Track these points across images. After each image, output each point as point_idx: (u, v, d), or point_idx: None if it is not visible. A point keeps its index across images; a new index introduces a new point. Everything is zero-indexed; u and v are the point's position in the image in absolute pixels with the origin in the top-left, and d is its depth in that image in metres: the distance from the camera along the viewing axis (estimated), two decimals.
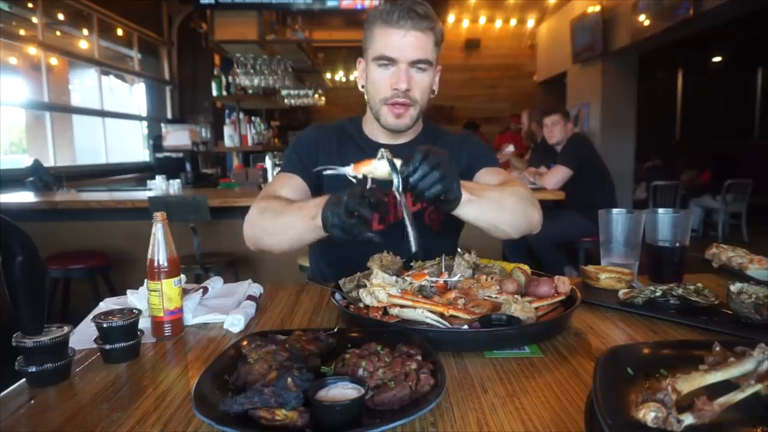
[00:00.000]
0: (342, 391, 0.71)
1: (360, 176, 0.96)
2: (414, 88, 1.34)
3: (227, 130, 6.04)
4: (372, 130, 1.50)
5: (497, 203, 1.21)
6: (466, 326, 0.98)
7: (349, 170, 0.96)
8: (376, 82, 1.36)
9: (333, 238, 1.03)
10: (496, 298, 1.06)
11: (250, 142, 6.12)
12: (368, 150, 1.47)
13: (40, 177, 4.07)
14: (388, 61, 1.32)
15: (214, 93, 6.10)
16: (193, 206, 3.06)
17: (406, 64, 1.31)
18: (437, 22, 1.33)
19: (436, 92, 1.42)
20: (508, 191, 1.27)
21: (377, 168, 0.96)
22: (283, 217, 1.21)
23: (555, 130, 4.09)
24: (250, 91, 6.03)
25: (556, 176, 3.85)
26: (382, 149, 0.98)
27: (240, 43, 5.24)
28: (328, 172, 0.99)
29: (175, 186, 4.04)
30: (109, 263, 3.27)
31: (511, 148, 5.04)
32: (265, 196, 1.35)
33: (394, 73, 1.32)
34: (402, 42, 1.30)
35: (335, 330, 0.95)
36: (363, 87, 1.43)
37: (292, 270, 3.11)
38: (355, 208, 0.95)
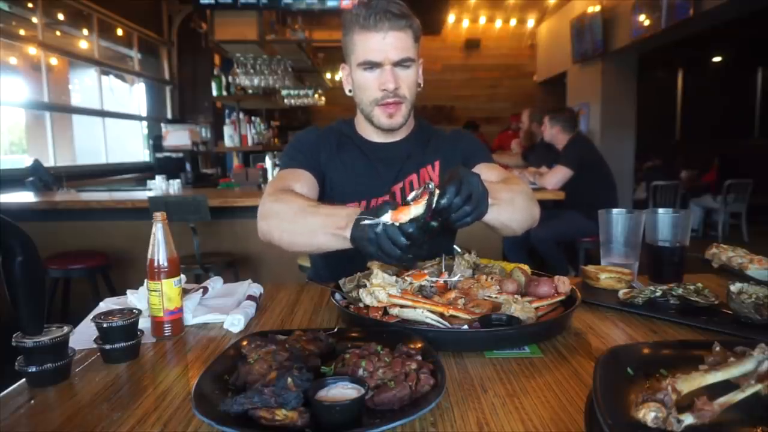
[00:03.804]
0: (342, 391, 0.71)
1: (398, 224, 0.97)
2: (401, 85, 1.36)
3: (227, 130, 6.03)
4: (365, 131, 1.52)
5: (510, 205, 1.24)
6: (466, 326, 0.98)
7: (387, 219, 0.96)
8: (363, 85, 1.38)
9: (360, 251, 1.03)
10: (496, 298, 1.06)
11: (250, 142, 6.12)
12: (366, 149, 1.49)
13: (40, 177, 4.07)
14: (373, 65, 1.34)
15: (214, 93, 6.09)
16: (193, 206, 3.06)
17: (390, 65, 1.33)
18: (413, 18, 1.36)
19: (421, 85, 1.44)
20: (517, 191, 1.29)
21: (412, 213, 0.97)
22: (307, 219, 1.18)
23: (545, 130, 4.29)
24: (250, 91, 6.02)
25: (557, 176, 3.86)
26: (431, 184, 0.99)
27: (240, 43, 5.23)
28: (366, 222, 1.00)
29: (175, 186, 4.04)
30: (109, 263, 3.27)
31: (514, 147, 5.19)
32: (280, 190, 1.31)
33: (380, 74, 1.35)
34: (383, 44, 1.32)
35: (335, 330, 0.95)
36: (350, 91, 1.45)
37: (292, 270, 3.10)
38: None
